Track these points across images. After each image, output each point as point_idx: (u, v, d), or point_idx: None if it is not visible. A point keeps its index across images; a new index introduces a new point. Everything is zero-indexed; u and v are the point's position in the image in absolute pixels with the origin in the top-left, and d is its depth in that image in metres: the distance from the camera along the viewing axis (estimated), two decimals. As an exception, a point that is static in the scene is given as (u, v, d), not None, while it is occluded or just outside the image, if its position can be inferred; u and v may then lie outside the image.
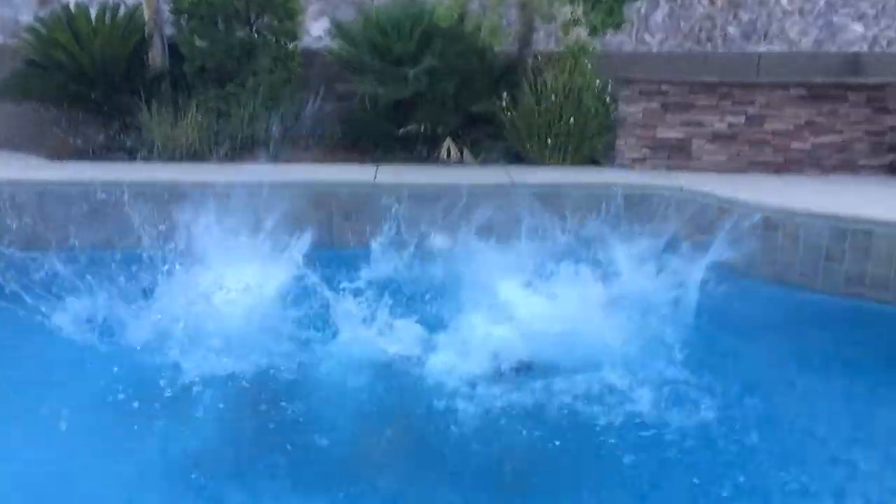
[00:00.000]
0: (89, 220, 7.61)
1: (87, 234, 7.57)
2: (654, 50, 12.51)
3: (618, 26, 8.43)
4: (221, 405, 4.64)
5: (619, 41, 12.82)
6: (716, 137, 8.35)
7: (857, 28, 13.47)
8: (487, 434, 4.31)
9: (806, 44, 13.09)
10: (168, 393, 4.71)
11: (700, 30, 13.42)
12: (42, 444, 4.23)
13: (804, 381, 5.22)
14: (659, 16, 13.33)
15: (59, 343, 5.32)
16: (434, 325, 5.47)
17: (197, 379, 4.86)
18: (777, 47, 13.06)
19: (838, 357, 5.54)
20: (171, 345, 5.13)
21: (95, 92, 8.73)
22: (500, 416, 4.47)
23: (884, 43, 13.21)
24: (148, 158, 8.56)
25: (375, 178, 7.97)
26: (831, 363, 5.44)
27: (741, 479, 3.98)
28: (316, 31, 11.72)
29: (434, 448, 4.28)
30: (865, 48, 12.85)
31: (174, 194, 7.64)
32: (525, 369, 4.95)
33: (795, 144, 8.27)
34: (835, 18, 13.66)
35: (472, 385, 4.78)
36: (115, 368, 4.93)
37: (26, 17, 11.62)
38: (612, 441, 4.26)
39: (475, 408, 4.54)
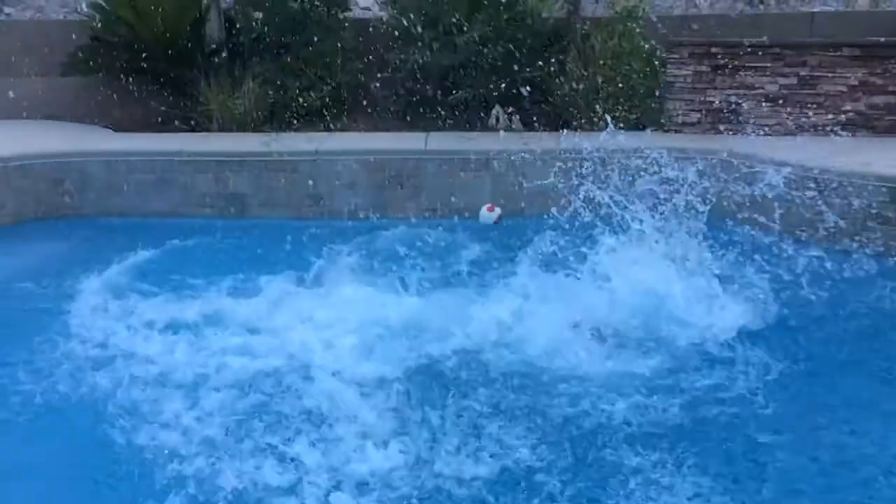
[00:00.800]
0: (155, 188, 8.00)
1: (154, 203, 8.00)
2: (705, 12, 12.37)
3: (667, -11, 8.39)
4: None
5: (669, 4, 12.69)
6: (767, 100, 8.30)
7: (915, -16, 13.09)
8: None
9: (863, 3, 12.79)
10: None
11: (752, -10, 13.21)
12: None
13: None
14: (710, -23, 13.16)
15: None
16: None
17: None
18: (832, 7, 12.78)
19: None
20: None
21: (157, 65, 9.05)
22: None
23: (944, 0, 12.83)
24: (207, 129, 8.89)
25: (426, 145, 8.16)
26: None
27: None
28: (364, 1, 11.89)
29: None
30: (923, 5, 12.50)
31: (232, 164, 7.97)
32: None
33: (848, 106, 8.18)
34: (892, -25, 13.30)
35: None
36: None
37: (84, -7, 12.07)
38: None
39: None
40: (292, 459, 3.96)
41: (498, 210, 7.73)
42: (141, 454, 4.02)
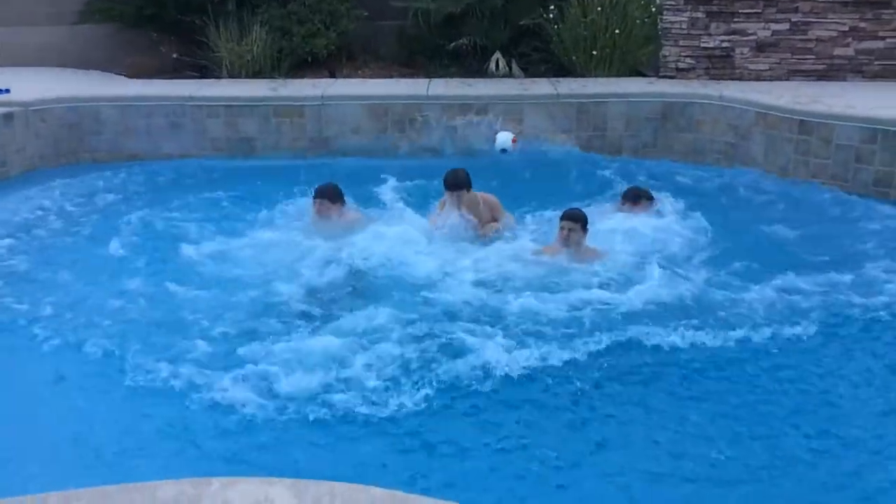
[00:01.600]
0: (169, 131, 8.34)
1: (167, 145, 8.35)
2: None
3: (663, -65, 8.56)
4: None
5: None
6: (759, 46, 8.52)
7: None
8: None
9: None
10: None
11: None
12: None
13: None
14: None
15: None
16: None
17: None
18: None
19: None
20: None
21: (167, 13, 9.32)
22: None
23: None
24: (217, 75, 9.19)
25: (428, 91, 8.44)
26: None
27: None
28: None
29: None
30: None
31: (239, 108, 8.30)
32: None
33: (838, 51, 8.40)
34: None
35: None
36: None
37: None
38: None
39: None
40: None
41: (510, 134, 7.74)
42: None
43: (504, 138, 7.68)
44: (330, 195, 6.11)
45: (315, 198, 6.14)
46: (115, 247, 6.07)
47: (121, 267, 5.76)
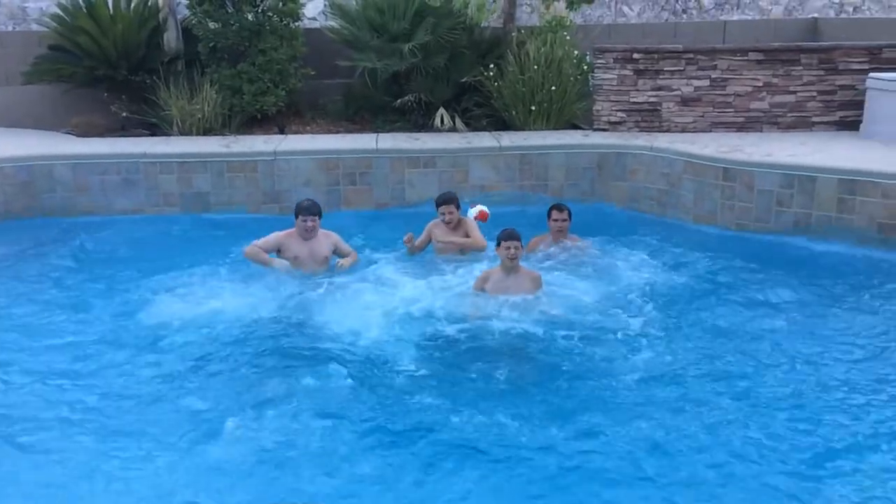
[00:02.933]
0: (121, 189, 8.47)
1: (120, 202, 8.47)
2: (632, 21, 13.33)
3: (591, 1, 9.23)
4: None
5: (600, 14, 13.62)
6: (683, 100, 9.20)
7: (825, -5, 14.31)
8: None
9: (777, 12, 13.93)
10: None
11: (676, 1, 14.25)
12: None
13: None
14: (636, -12, 14.14)
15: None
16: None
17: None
18: (749, 16, 13.88)
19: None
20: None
21: (116, 73, 9.50)
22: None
23: (850, 9, 14.05)
24: (167, 133, 9.38)
25: (377, 145, 8.81)
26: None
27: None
28: (311, 12, 12.48)
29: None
30: (832, 14, 13.69)
31: (193, 164, 8.50)
32: None
33: (755, 105, 9.14)
34: (803, -14, 14.49)
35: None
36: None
37: (32, 5, 12.36)
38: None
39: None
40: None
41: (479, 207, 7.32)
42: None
43: (472, 213, 7.25)
44: (319, 211, 6.47)
45: (304, 215, 6.37)
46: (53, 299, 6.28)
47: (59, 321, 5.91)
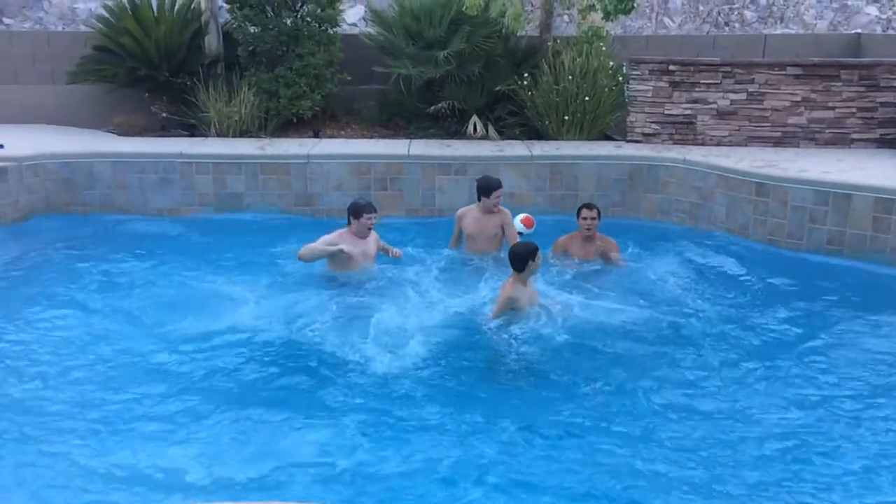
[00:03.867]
0: (158, 187, 8.66)
1: (156, 200, 8.66)
2: (673, 33, 13.25)
3: (629, 11, 9.21)
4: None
5: (640, 25, 13.57)
6: (719, 114, 9.12)
7: (871, 11, 14.07)
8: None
9: (821, 26, 13.74)
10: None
11: (718, 13, 14.13)
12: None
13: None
14: (678, 0, 14.06)
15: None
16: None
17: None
18: (793, 30, 13.71)
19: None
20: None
21: (158, 74, 9.72)
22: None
23: (896, 25, 13.79)
24: (205, 134, 9.55)
25: (409, 150, 8.88)
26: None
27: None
28: (351, 18, 12.64)
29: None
30: (879, 30, 13.45)
31: (228, 165, 8.65)
32: None
33: (792, 120, 9.01)
34: (849, 2, 14.27)
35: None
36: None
37: (81, 6, 12.71)
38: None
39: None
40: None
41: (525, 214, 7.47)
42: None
43: (517, 221, 7.24)
44: (376, 208, 6.65)
45: (368, 212, 6.52)
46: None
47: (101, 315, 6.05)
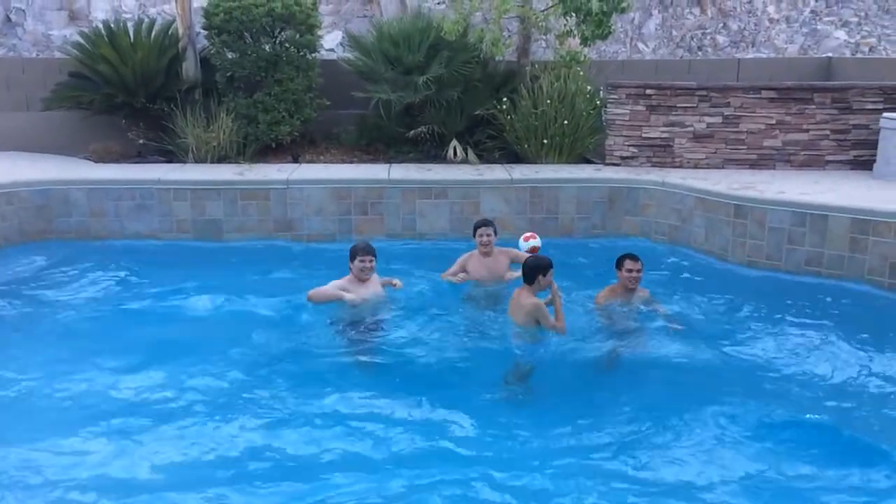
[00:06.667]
0: (135, 214, 8.56)
1: (133, 227, 8.56)
2: (647, 57, 13.43)
3: (605, 37, 9.33)
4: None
5: (615, 50, 13.75)
6: (695, 136, 9.22)
7: (841, 35, 14.38)
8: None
9: (792, 50, 14.00)
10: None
11: (691, 38, 14.36)
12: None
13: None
14: (652, 25, 14.27)
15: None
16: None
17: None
18: (764, 54, 13.95)
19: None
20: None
21: (135, 101, 9.65)
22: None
23: (865, 49, 14.09)
24: (183, 161, 9.48)
25: (389, 175, 8.86)
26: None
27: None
28: (329, 43, 12.67)
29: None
30: (848, 54, 13.73)
31: (206, 192, 8.58)
32: None
33: (768, 142, 9.13)
34: (819, 26, 14.57)
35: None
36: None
37: (56, 33, 12.63)
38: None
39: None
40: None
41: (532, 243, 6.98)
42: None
43: (523, 246, 6.95)
44: (375, 251, 6.42)
45: (362, 255, 6.29)
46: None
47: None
